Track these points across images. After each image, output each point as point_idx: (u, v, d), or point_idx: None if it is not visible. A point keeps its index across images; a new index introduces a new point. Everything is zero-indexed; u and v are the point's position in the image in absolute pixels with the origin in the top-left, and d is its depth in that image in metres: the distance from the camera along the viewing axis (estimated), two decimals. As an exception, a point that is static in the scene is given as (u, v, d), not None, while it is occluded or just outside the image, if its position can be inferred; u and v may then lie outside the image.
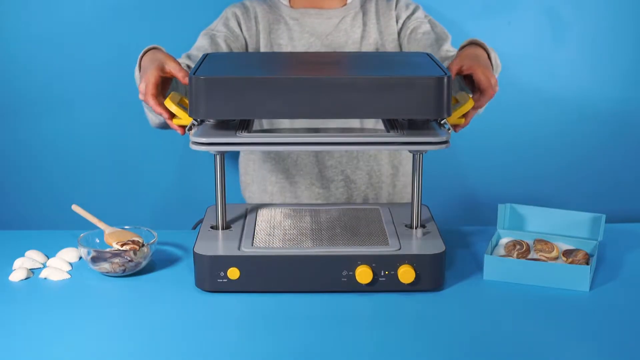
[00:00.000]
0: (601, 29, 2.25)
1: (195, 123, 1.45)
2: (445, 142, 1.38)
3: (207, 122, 1.45)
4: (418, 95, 1.35)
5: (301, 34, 1.87)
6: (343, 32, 1.88)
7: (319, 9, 1.90)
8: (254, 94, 1.35)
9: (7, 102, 2.25)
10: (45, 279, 1.49)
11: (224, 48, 1.82)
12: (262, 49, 1.87)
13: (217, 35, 1.85)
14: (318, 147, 1.40)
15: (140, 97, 1.50)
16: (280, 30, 1.88)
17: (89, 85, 2.24)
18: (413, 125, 1.44)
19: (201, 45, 1.85)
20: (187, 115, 1.46)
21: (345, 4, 1.92)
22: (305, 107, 1.36)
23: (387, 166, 1.94)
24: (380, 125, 1.56)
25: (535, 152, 2.34)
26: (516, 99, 2.30)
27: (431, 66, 1.45)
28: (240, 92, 1.35)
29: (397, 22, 1.91)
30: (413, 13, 1.92)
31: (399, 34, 1.91)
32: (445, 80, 1.35)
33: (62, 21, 2.20)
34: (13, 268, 1.52)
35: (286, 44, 1.86)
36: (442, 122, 1.44)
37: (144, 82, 1.48)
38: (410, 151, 1.45)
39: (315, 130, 1.48)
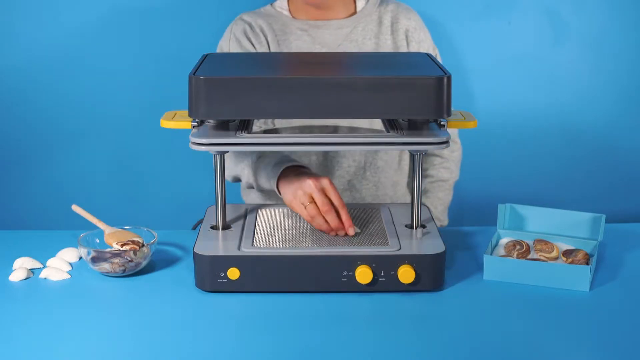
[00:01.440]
0: (601, 29, 2.26)
1: None
2: (445, 142, 1.38)
3: (207, 123, 1.45)
4: (418, 95, 1.35)
5: (312, 45, 1.84)
6: (354, 42, 1.85)
7: (327, 21, 1.87)
8: (254, 94, 1.35)
9: (7, 102, 2.25)
10: (45, 279, 1.49)
11: None
12: None
13: None
14: (318, 147, 1.40)
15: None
16: (288, 40, 1.84)
17: (89, 85, 2.25)
18: (412, 126, 1.44)
19: None
20: None
21: (354, 12, 1.89)
22: (305, 107, 1.36)
23: (390, 183, 1.94)
24: (378, 126, 1.55)
25: (535, 152, 2.34)
26: (516, 99, 2.31)
27: (431, 66, 1.45)
28: (240, 92, 1.35)
29: (407, 44, 1.88)
30: (421, 41, 1.88)
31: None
32: (445, 80, 1.35)
33: (63, 22, 2.20)
34: (13, 268, 1.52)
35: None
36: (441, 122, 1.43)
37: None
38: (410, 151, 1.45)
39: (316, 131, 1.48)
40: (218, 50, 1.89)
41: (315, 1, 1.83)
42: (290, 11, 1.89)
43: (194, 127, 1.43)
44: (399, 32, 1.88)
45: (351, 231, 1.47)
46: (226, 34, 1.90)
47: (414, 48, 1.88)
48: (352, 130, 1.45)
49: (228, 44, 1.87)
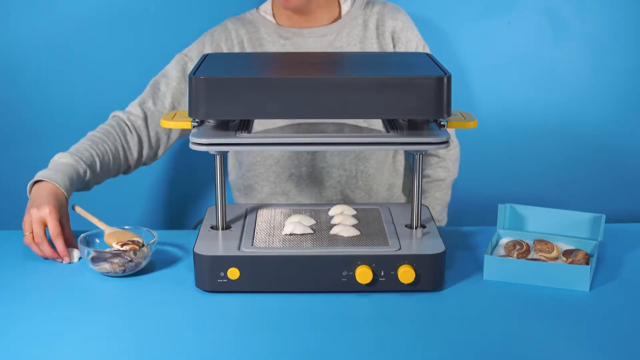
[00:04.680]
0: (601, 29, 2.26)
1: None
2: (445, 142, 1.38)
3: (207, 123, 1.45)
4: (418, 95, 1.35)
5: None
6: (339, 49, 1.83)
7: (311, 28, 1.84)
8: (254, 94, 1.35)
9: (7, 103, 2.25)
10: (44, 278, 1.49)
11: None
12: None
13: (189, 63, 1.83)
14: (318, 147, 1.40)
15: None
16: (271, 51, 1.83)
17: (89, 85, 2.25)
18: (412, 126, 1.44)
19: (171, 75, 1.84)
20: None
21: (338, 17, 1.87)
22: (305, 107, 1.36)
23: (384, 187, 1.94)
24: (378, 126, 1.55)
25: (535, 152, 2.34)
26: (516, 99, 2.31)
27: (431, 66, 1.45)
28: (240, 92, 1.35)
29: (393, 44, 1.87)
30: (409, 40, 1.87)
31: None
32: (445, 80, 1.35)
33: (62, 21, 2.20)
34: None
35: None
36: (441, 122, 1.43)
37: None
38: (409, 151, 1.45)
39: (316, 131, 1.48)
40: (184, 50, 1.88)
41: (294, 6, 1.78)
42: (274, 15, 1.87)
43: (194, 127, 1.43)
44: (385, 34, 1.85)
45: (67, 259, 1.52)
46: (201, 37, 1.88)
47: (401, 49, 1.86)
48: (352, 129, 1.45)
49: (194, 46, 1.86)
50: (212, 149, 1.40)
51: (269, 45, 1.83)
